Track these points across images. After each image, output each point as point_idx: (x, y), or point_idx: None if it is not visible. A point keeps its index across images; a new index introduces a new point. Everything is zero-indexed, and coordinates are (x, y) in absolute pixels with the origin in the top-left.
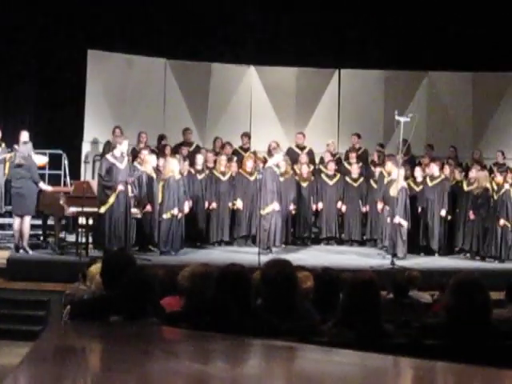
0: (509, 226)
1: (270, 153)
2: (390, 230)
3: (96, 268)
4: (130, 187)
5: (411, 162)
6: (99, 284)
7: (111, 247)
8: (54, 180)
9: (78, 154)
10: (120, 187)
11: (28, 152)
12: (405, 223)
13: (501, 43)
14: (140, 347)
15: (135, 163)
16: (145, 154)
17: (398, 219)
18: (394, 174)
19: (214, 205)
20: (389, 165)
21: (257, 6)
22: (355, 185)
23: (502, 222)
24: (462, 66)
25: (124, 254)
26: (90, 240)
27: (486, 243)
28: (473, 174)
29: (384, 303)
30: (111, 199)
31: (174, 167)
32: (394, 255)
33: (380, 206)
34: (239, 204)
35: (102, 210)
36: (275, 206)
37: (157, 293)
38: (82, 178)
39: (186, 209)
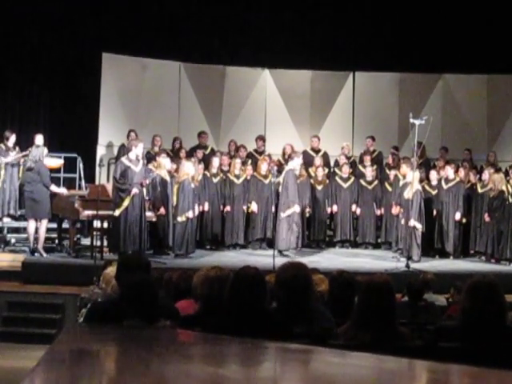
0: None
1: (284, 156)
2: (405, 232)
3: (112, 271)
4: (144, 190)
5: (426, 165)
6: (115, 287)
7: (126, 250)
8: (69, 183)
9: (93, 157)
10: (134, 190)
11: (39, 156)
12: (419, 226)
13: None
14: (155, 350)
15: (150, 166)
16: (163, 155)
17: (412, 222)
18: (409, 177)
19: (228, 208)
20: (403, 167)
21: (271, 9)
22: (370, 187)
23: None
24: (476, 68)
25: (139, 256)
26: (105, 243)
27: (500, 246)
28: (486, 176)
29: (399, 306)
30: (126, 202)
31: (189, 170)
32: (409, 258)
33: (395, 209)
34: (254, 207)
35: (117, 212)
36: (296, 209)
37: (170, 295)
38: (97, 182)
39: (196, 212)
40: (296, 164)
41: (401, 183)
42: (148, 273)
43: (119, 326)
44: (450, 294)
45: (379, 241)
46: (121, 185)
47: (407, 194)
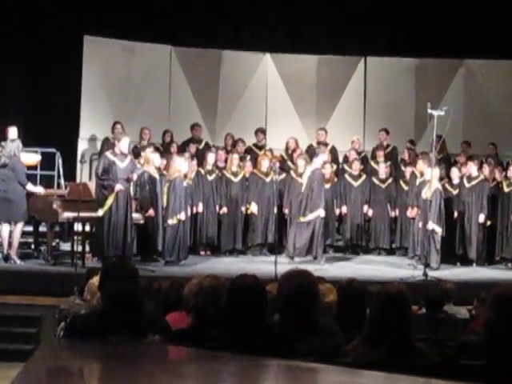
0: None
1: (287, 151)
2: (422, 237)
3: (97, 280)
4: (132, 187)
5: (446, 161)
6: (100, 299)
7: (110, 255)
8: (47, 182)
9: (74, 152)
10: (118, 186)
11: (14, 151)
12: (439, 229)
13: None
14: (142, 369)
15: (137, 162)
16: (151, 150)
17: (431, 225)
18: (427, 175)
19: (225, 209)
20: (421, 164)
21: None
22: (383, 186)
23: None
24: (503, 53)
25: (124, 263)
26: (87, 249)
27: None
28: None
29: (416, 319)
30: (110, 200)
31: (181, 167)
32: (427, 265)
33: (412, 211)
34: (253, 208)
35: (100, 212)
36: (321, 213)
37: (159, 308)
38: (78, 180)
39: (189, 213)
40: (321, 161)
41: (418, 182)
42: (135, 282)
43: (103, 341)
44: (473, 306)
45: (394, 246)
46: (103, 181)
47: (425, 193)
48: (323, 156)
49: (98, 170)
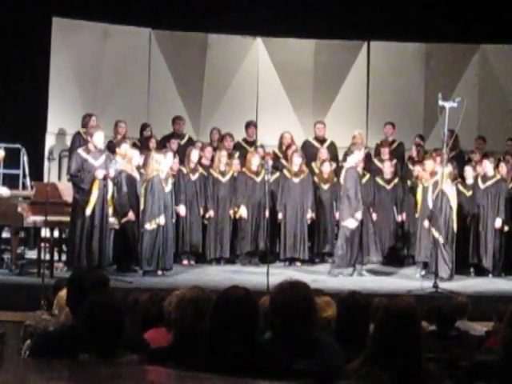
0: None
1: (281, 147)
2: (432, 244)
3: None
4: (110, 187)
5: (459, 159)
6: (70, 314)
7: (83, 265)
8: (11, 181)
9: (41, 148)
10: (99, 172)
11: None
12: (441, 237)
13: None
14: None
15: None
16: (125, 147)
17: (436, 234)
18: (438, 175)
19: (211, 212)
20: (430, 163)
21: None
22: (388, 187)
23: None
24: None
25: (94, 273)
26: (56, 257)
27: None
28: None
29: (425, 336)
30: (93, 196)
31: (161, 165)
32: (438, 276)
33: (426, 224)
34: (243, 212)
35: (88, 212)
36: (358, 216)
37: (137, 323)
38: (46, 179)
39: (172, 217)
40: (357, 159)
41: (427, 185)
42: (105, 293)
43: (73, 361)
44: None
45: (400, 254)
46: (79, 182)
47: (434, 194)
48: (358, 153)
49: (71, 169)
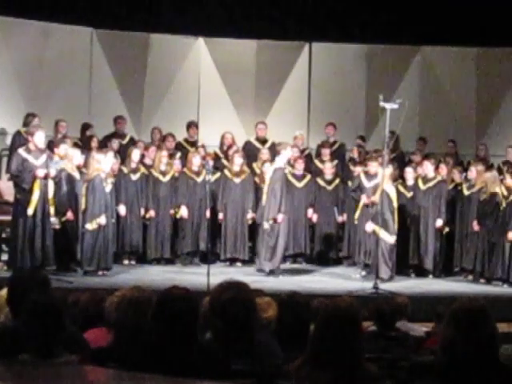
0: None
1: (222, 147)
2: (373, 245)
3: (5, 294)
4: (51, 186)
5: (400, 160)
6: (10, 314)
7: (26, 265)
8: None
9: None
10: (41, 171)
11: None
12: (391, 237)
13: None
14: None
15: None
16: (64, 147)
17: (383, 233)
18: (378, 177)
19: (151, 213)
20: (373, 165)
21: None
22: (329, 188)
23: (510, 235)
24: (463, 40)
25: (35, 274)
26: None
27: (492, 262)
28: (473, 173)
29: (365, 337)
30: (35, 196)
31: (102, 164)
32: (378, 277)
33: (369, 227)
34: (183, 212)
35: (30, 211)
36: (279, 219)
37: (77, 323)
38: None
39: (112, 217)
40: (285, 159)
41: (367, 185)
42: (45, 292)
43: (11, 361)
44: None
45: (341, 255)
46: (20, 182)
47: (375, 196)
48: (286, 153)
49: (11, 168)
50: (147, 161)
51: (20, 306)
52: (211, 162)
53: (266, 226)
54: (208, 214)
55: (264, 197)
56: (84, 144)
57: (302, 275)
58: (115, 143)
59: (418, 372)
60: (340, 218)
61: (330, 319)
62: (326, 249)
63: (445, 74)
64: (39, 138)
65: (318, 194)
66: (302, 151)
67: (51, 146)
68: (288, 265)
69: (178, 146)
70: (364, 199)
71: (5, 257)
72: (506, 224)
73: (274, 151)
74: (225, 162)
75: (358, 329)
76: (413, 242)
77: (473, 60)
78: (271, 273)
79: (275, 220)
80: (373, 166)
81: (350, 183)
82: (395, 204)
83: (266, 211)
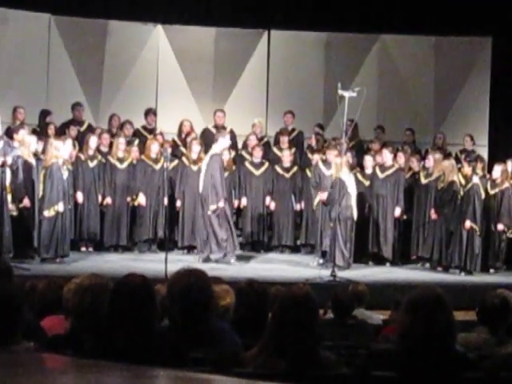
0: (476, 229)
1: (180, 135)
2: (331, 233)
3: None
4: (8, 173)
5: (358, 149)
6: None
7: None
8: None
9: None
10: None
11: None
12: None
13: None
14: (13, 380)
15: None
16: (23, 133)
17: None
18: (336, 164)
19: (108, 200)
20: (332, 154)
21: None
22: (287, 176)
23: (467, 224)
24: (421, 28)
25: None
26: None
27: (449, 250)
28: (431, 162)
29: (322, 325)
30: None
31: (60, 151)
32: (336, 265)
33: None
34: (141, 199)
35: None
36: (221, 204)
37: (34, 310)
38: None
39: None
40: (222, 147)
41: (325, 171)
42: (9, 280)
43: None
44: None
45: (298, 243)
46: None
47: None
48: (223, 141)
49: None
50: (102, 148)
51: None
52: (169, 150)
53: (210, 213)
54: (166, 201)
55: (201, 184)
56: (42, 131)
57: (260, 263)
58: (73, 130)
59: (376, 359)
60: (298, 206)
61: (286, 307)
62: (284, 236)
63: (403, 62)
64: None
65: (276, 181)
66: (261, 139)
67: (9, 132)
68: (246, 252)
69: (137, 133)
70: (321, 196)
71: None
72: (463, 213)
73: (233, 139)
74: (183, 149)
75: (314, 316)
76: (371, 230)
77: (431, 49)
78: (221, 260)
79: (218, 208)
80: (331, 155)
81: (308, 171)
82: (353, 192)
83: (209, 199)
